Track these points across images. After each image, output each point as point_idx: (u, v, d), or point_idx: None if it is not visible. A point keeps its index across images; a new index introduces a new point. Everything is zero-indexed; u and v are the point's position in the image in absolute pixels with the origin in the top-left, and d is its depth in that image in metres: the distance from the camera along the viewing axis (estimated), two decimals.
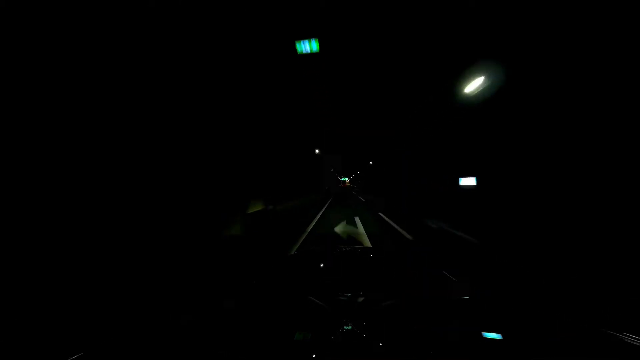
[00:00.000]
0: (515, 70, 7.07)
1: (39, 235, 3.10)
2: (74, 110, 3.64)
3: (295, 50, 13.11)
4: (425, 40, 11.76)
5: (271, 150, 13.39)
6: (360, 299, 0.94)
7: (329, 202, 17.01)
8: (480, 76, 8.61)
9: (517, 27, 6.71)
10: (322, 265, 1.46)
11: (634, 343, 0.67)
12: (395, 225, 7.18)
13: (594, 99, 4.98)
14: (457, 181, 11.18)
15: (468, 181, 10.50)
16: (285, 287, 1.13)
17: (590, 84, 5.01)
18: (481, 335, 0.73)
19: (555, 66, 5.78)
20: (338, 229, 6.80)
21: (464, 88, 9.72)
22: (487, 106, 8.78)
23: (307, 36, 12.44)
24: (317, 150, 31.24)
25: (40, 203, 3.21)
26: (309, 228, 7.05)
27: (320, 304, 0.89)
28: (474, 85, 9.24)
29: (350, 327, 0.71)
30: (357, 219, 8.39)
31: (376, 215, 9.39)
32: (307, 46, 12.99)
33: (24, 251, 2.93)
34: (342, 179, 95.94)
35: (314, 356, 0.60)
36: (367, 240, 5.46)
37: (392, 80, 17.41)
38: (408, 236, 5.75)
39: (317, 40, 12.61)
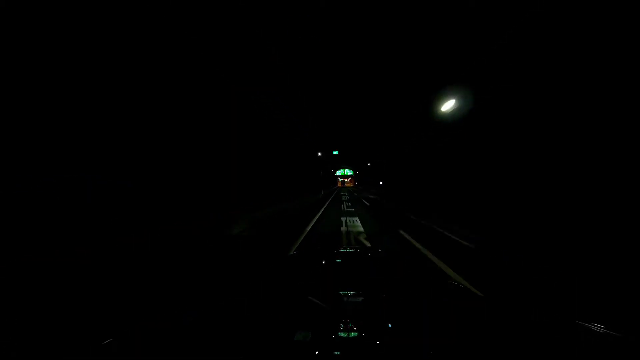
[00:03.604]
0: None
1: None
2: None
3: None
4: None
5: None
6: (360, 299, 0.95)
7: None
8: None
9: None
10: (321, 265, 1.46)
11: (600, 331, 0.73)
12: None
13: None
14: None
15: None
16: (285, 287, 1.13)
17: None
18: (478, 334, 0.75)
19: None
20: None
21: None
22: None
23: None
24: None
25: None
26: None
27: (320, 304, 0.90)
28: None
29: (350, 327, 0.72)
30: None
31: None
32: None
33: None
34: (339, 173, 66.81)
35: (314, 356, 0.61)
36: None
37: None
38: None
39: None
